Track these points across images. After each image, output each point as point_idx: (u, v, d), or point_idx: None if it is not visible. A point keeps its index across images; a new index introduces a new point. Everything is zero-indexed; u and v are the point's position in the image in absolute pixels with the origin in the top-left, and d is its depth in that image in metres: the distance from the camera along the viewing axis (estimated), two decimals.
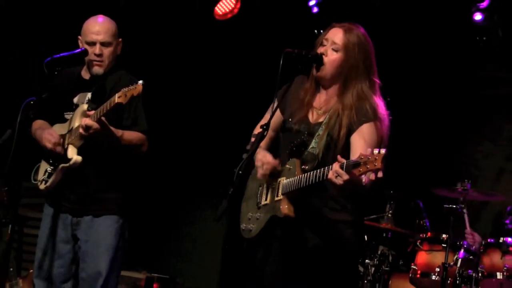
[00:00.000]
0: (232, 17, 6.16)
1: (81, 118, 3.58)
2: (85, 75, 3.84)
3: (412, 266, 4.99)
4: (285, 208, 3.01)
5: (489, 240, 4.85)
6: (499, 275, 4.69)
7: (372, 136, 3.02)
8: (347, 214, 3.08)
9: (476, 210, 5.61)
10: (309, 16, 5.90)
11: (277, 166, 3.11)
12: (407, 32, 5.78)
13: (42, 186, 3.76)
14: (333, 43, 3.13)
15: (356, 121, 3.03)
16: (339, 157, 2.81)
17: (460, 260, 4.79)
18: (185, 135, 6.51)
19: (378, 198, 5.32)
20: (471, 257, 4.86)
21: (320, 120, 3.13)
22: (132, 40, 3.94)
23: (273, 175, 3.11)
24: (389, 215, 5.32)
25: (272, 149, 3.29)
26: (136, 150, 3.71)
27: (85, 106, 3.64)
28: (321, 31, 3.26)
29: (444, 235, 4.92)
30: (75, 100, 3.78)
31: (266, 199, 3.16)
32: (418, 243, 5.04)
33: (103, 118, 3.48)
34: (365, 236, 5.31)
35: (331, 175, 2.79)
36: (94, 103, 3.62)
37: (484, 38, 5.56)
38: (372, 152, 2.68)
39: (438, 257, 4.86)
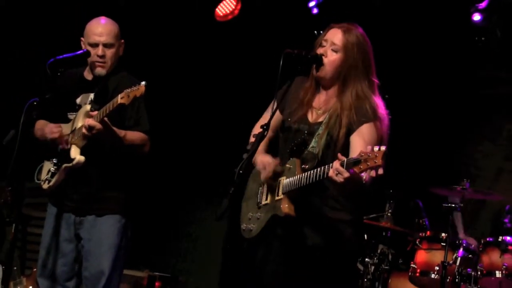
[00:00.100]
0: (232, 18, 6.18)
1: (84, 119, 3.61)
2: (88, 76, 3.88)
3: (412, 265, 4.99)
4: (286, 207, 3.03)
5: (488, 239, 4.84)
6: (498, 274, 4.69)
7: (372, 136, 3.04)
8: (347, 213, 3.10)
9: (475, 209, 5.63)
10: (309, 17, 5.89)
11: (277, 166, 3.13)
12: (406, 32, 5.77)
13: (45, 186, 3.79)
14: (332, 43, 3.15)
15: (356, 121, 3.06)
16: (339, 155, 2.82)
17: (459, 258, 4.78)
18: (186, 135, 6.52)
19: (378, 197, 5.32)
20: (470, 255, 4.85)
21: (320, 120, 3.15)
22: (132, 40, 3.96)
23: (274, 175, 3.13)
24: (389, 214, 5.33)
25: (271, 150, 3.30)
26: (139, 150, 3.74)
27: (88, 107, 3.67)
28: (321, 32, 3.28)
29: (443, 234, 4.91)
30: (78, 100, 3.82)
31: (266, 199, 3.18)
32: (417, 242, 5.03)
33: (105, 118, 3.51)
34: (365, 235, 5.32)
35: (331, 173, 2.80)
36: (96, 104, 3.65)
37: (483, 39, 5.57)
38: (372, 150, 2.69)
39: (437, 256, 4.85)
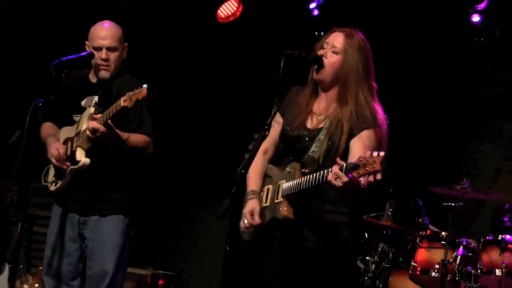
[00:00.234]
0: (234, 20, 6.21)
1: (88, 121, 3.64)
2: (92, 78, 3.91)
3: (412, 263, 5.00)
4: (285, 210, 3.05)
5: (487, 237, 4.86)
6: (498, 272, 4.72)
7: (371, 142, 3.07)
8: (346, 216, 3.13)
9: (474, 208, 5.65)
10: (310, 19, 5.91)
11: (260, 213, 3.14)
12: (406, 33, 5.79)
13: (52, 188, 3.83)
14: (333, 46, 3.17)
15: (356, 127, 3.08)
16: (338, 159, 2.85)
17: (459, 257, 4.80)
18: (188, 136, 6.54)
19: (378, 196, 5.34)
20: (470, 254, 4.87)
21: (320, 125, 3.17)
22: (133, 42, 3.97)
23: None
24: (389, 213, 5.35)
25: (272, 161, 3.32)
26: (142, 153, 3.77)
27: (92, 109, 3.70)
28: (322, 33, 3.30)
29: (443, 233, 4.93)
30: (83, 103, 3.85)
31: (266, 201, 3.21)
32: (417, 241, 5.04)
33: (109, 121, 3.54)
34: (366, 234, 5.36)
35: (330, 177, 2.83)
36: (100, 107, 3.69)
37: (482, 39, 5.59)
38: (371, 155, 2.72)
39: (437, 254, 4.87)
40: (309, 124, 3.21)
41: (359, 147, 3.02)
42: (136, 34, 3.92)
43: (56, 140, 3.82)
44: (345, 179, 2.79)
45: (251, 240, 3.22)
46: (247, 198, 3.23)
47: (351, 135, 3.09)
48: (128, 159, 3.80)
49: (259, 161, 3.27)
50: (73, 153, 3.72)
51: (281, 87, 3.18)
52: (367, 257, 5.31)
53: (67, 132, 3.86)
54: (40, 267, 4.72)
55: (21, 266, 4.91)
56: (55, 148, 3.75)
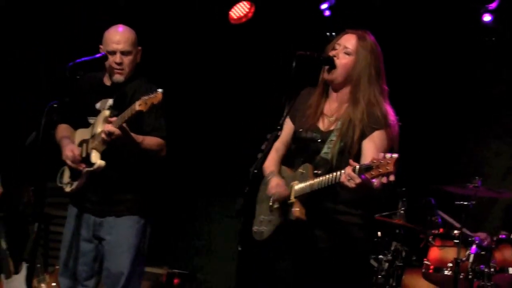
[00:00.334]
0: (246, 21, 6.22)
1: (103, 124, 3.68)
2: (107, 81, 3.94)
3: (425, 262, 4.99)
4: (297, 211, 3.07)
5: (500, 235, 4.85)
6: (511, 270, 4.71)
7: (383, 143, 3.09)
8: (358, 217, 3.15)
9: (487, 207, 5.64)
10: (321, 20, 5.92)
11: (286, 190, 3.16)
12: (418, 31, 5.76)
13: (67, 189, 3.88)
14: (345, 47, 3.19)
15: (367, 127, 3.10)
16: (351, 161, 2.87)
17: (472, 255, 4.78)
18: (202, 136, 6.55)
19: (391, 195, 5.34)
20: (483, 252, 4.84)
21: (332, 127, 3.18)
22: (146, 45, 4.01)
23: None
24: (401, 212, 5.36)
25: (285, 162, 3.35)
26: (155, 155, 3.81)
27: (107, 113, 3.73)
28: (333, 34, 3.31)
29: (456, 231, 4.93)
30: (97, 105, 3.89)
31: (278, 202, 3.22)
32: (430, 239, 5.04)
33: (124, 124, 3.58)
34: (379, 233, 5.36)
35: (343, 178, 2.85)
36: (115, 110, 3.72)
37: (493, 39, 5.57)
38: (384, 157, 2.74)
39: (450, 253, 4.86)
40: (321, 126, 3.23)
41: (371, 148, 3.04)
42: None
43: (70, 142, 3.87)
44: (358, 180, 2.81)
45: (263, 240, 3.24)
46: (266, 180, 3.22)
47: (363, 136, 3.10)
48: (142, 161, 3.84)
49: (273, 156, 3.29)
50: (88, 155, 3.77)
51: (293, 88, 3.19)
52: (380, 256, 5.31)
53: (82, 134, 3.90)
54: (57, 266, 4.76)
55: (39, 265, 4.95)
56: (70, 150, 3.79)
